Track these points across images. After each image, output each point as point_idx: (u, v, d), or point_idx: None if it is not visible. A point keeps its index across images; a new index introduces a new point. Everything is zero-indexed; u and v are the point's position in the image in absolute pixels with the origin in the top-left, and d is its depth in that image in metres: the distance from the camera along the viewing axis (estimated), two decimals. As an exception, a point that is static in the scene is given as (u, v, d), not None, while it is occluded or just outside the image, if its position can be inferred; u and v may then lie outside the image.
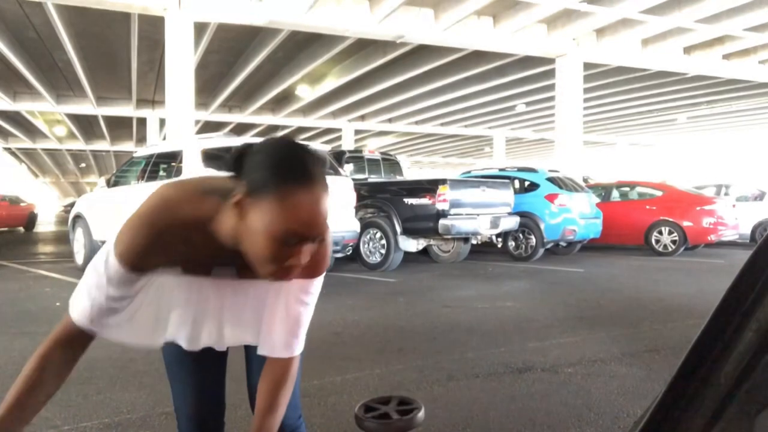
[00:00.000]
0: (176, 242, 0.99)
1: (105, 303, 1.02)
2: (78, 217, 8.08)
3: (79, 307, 1.03)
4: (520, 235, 9.25)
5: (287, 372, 1.15)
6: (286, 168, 0.91)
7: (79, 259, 8.02)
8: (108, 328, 1.05)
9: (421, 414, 1.15)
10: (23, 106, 18.76)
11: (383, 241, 8.06)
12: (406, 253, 8.33)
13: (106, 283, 1.01)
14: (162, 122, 17.55)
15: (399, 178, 9.58)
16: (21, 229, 20.36)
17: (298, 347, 1.15)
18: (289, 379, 1.15)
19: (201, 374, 1.30)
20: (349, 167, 8.98)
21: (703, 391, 0.57)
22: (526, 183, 9.68)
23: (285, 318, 1.12)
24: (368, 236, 8.16)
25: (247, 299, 1.12)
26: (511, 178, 9.61)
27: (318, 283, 1.14)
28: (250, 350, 1.31)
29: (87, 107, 19.00)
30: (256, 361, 1.24)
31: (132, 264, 0.99)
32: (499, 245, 9.50)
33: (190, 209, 0.98)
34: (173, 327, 1.11)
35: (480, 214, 8.16)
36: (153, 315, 1.10)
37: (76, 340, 1.04)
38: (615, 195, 11.09)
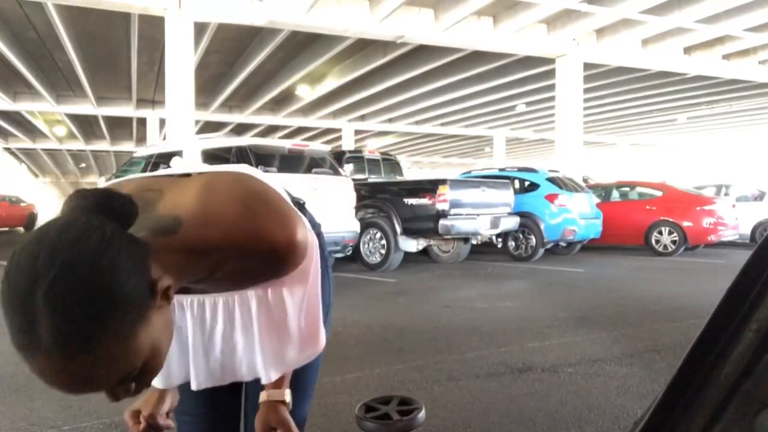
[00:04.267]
0: None
1: None
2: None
3: None
4: (520, 235, 9.24)
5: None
6: (7, 323, 0.61)
7: (79, 259, 7.99)
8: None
9: (421, 414, 1.15)
10: (23, 106, 18.75)
11: (383, 242, 8.06)
12: (406, 253, 8.32)
13: None
14: (162, 122, 17.54)
15: (399, 178, 9.58)
16: (21, 229, 20.37)
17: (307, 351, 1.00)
18: None
19: (213, 406, 1.16)
20: (349, 167, 8.98)
21: (703, 391, 0.57)
22: (526, 183, 9.68)
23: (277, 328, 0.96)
24: (368, 236, 8.16)
25: (227, 325, 0.97)
26: (511, 178, 9.60)
27: (288, 289, 0.93)
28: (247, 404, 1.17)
29: (87, 107, 18.99)
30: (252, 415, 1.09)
31: None
32: (499, 245, 9.50)
33: None
34: (176, 365, 1.01)
35: (480, 214, 8.16)
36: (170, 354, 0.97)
37: None
38: (615, 195, 11.09)
